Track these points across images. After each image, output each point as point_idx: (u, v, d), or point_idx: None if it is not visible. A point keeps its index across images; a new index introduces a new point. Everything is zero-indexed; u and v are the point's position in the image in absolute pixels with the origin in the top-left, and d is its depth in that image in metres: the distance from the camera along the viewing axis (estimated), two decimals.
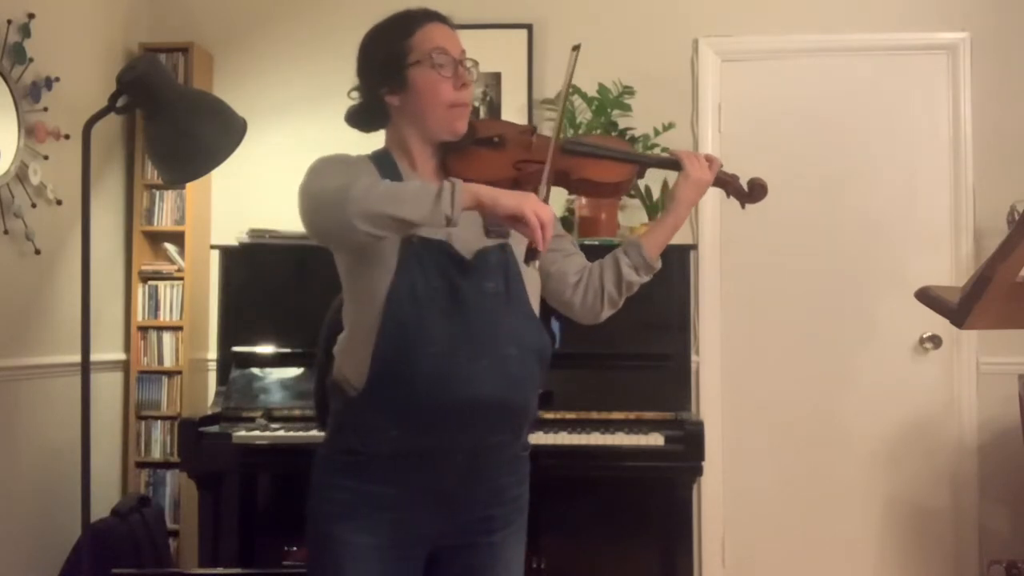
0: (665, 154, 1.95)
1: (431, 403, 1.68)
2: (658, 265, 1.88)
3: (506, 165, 1.82)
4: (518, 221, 1.56)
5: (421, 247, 1.71)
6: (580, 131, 3.66)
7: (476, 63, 1.84)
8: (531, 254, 1.59)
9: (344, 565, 1.72)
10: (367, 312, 1.72)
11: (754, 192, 1.98)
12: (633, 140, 3.68)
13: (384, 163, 1.82)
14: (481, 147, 1.84)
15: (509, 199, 1.57)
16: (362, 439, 1.74)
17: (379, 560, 1.72)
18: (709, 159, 1.89)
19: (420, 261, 1.71)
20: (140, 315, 3.81)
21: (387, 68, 1.79)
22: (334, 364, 1.82)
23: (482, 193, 1.58)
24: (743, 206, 2.00)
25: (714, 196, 3.84)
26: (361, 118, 1.88)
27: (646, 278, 1.88)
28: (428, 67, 1.77)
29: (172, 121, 1.90)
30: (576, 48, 1.85)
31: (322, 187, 1.65)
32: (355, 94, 1.86)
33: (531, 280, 1.82)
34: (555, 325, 3.44)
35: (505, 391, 1.72)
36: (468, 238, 1.73)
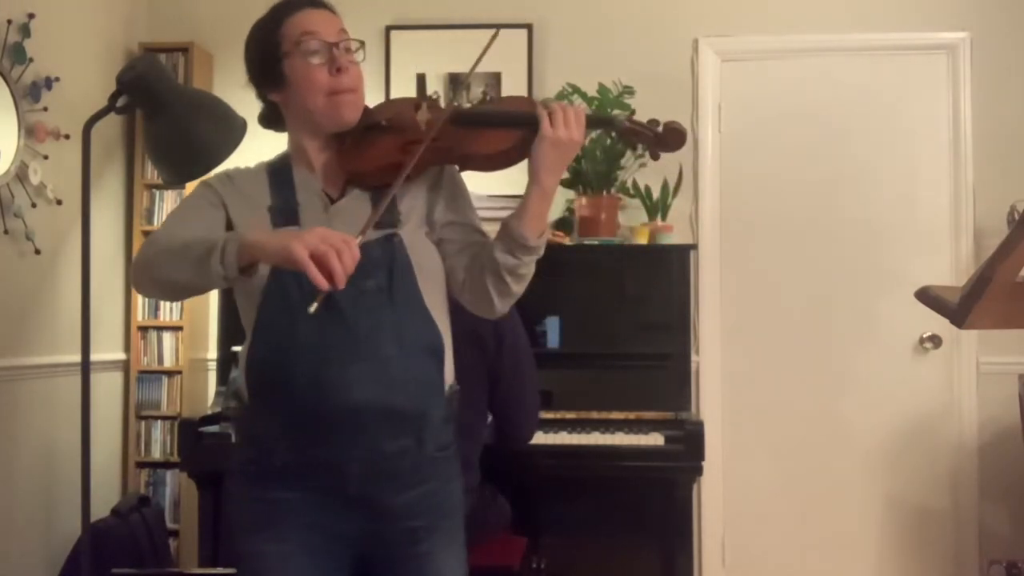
0: (524, 109, 1.70)
1: (310, 412, 1.61)
2: (536, 241, 1.64)
3: (393, 149, 1.68)
4: (291, 264, 1.40)
5: None
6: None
7: (362, 43, 1.73)
8: (312, 295, 1.40)
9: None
10: (248, 320, 1.67)
11: (669, 137, 1.70)
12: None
13: (278, 171, 1.76)
14: (372, 133, 1.71)
15: (274, 244, 1.42)
16: (258, 449, 1.68)
17: (296, 567, 1.65)
18: (575, 112, 1.64)
19: None
20: (140, 315, 3.81)
21: (262, 65, 1.71)
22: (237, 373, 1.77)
23: (251, 246, 1.46)
24: (656, 156, 1.75)
25: (714, 196, 3.86)
26: (267, 121, 1.81)
27: (528, 258, 1.66)
28: (298, 56, 1.67)
29: (172, 121, 1.90)
30: (495, 35, 1.71)
31: (142, 245, 1.65)
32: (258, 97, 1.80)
33: (428, 271, 1.70)
34: (555, 325, 3.45)
35: (387, 395, 1.61)
36: (350, 232, 1.51)
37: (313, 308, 1.40)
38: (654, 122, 1.72)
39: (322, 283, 1.37)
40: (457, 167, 1.79)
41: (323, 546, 1.67)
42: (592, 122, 1.72)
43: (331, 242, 1.39)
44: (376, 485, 1.65)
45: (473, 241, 1.75)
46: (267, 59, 1.70)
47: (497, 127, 1.71)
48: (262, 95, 1.76)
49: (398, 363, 1.62)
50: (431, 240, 1.74)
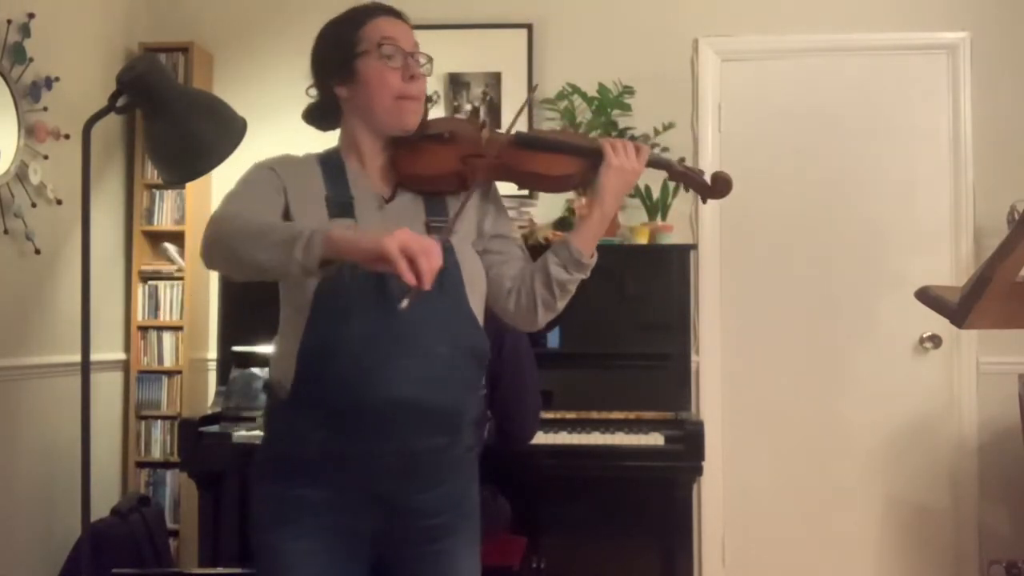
0: (586, 143, 1.87)
1: (352, 404, 1.64)
2: (589, 261, 1.76)
3: (453, 159, 1.78)
4: (382, 262, 1.42)
5: None
6: (580, 131, 3.66)
7: (430, 59, 1.81)
8: (403, 292, 1.45)
9: (282, 573, 1.69)
10: (297, 311, 1.69)
11: (717, 186, 1.88)
12: (633, 139, 3.67)
13: (330, 163, 1.80)
14: (430, 142, 1.79)
15: (367, 241, 1.44)
16: (292, 443, 1.70)
17: (317, 565, 1.68)
18: (637, 148, 1.79)
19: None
20: (140, 315, 3.81)
21: (336, 59, 1.77)
22: (269, 368, 1.79)
23: (341, 241, 1.47)
24: (704, 200, 1.93)
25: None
26: (316, 115, 1.86)
27: (578, 275, 1.76)
28: (376, 57, 1.74)
29: (172, 121, 1.90)
30: (533, 90, 1.88)
31: (213, 219, 1.64)
32: (313, 92, 1.85)
33: (473, 279, 1.75)
34: (555, 325, 3.45)
35: (428, 392, 1.65)
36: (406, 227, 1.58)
37: (405, 304, 1.45)
38: (701, 171, 1.90)
39: (413, 280, 1.42)
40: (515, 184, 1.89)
41: (343, 545, 1.70)
42: (651, 161, 1.84)
43: (422, 244, 1.43)
44: (402, 482, 1.69)
45: (518, 255, 1.84)
46: (341, 55, 1.76)
47: (556, 152, 1.83)
48: (326, 87, 1.81)
49: (444, 362, 1.68)
50: (476, 250, 1.80)
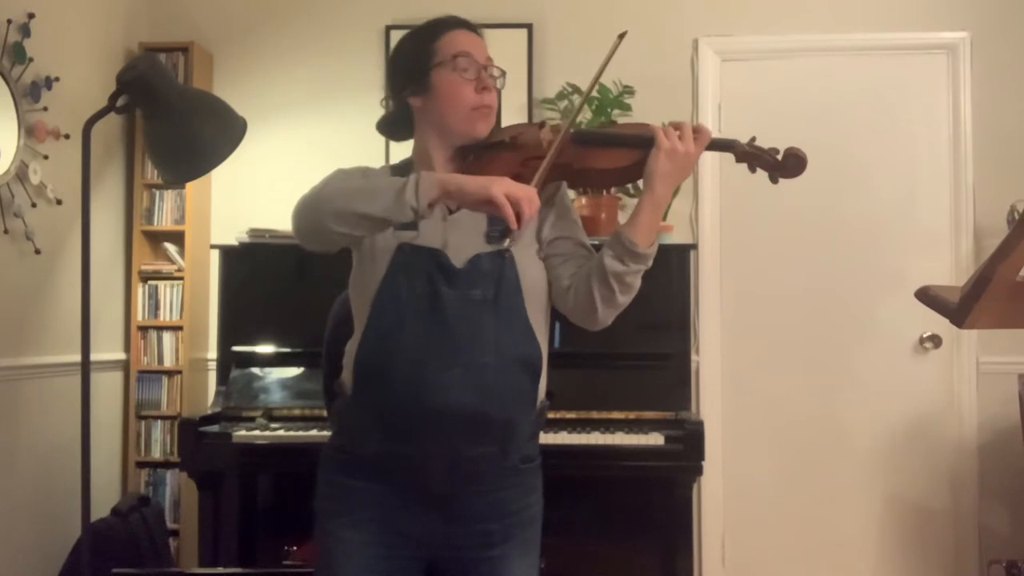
0: (643, 132, 1.78)
1: (405, 410, 1.68)
2: (645, 250, 1.71)
3: (515, 164, 1.78)
4: (487, 204, 1.54)
5: (412, 254, 1.71)
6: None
7: (503, 72, 1.87)
8: (503, 234, 1.59)
9: (335, 559, 1.74)
10: (360, 317, 1.76)
11: (788, 163, 1.78)
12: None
13: (401, 174, 1.81)
14: (495, 150, 1.82)
15: (474, 184, 1.57)
16: (351, 439, 1.77)
17: (366, 556, 1.72)
18: (697, 129, 1.73)
19: (408, 267, 1.70)
20: (140, 315, 3.82)
21: (412, 70, 1.82)
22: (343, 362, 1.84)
23: (448, 182, 1.58)
24: (776, 180, 1.81)
25: (713, 196, 3.86)
26: (390, 125, 1.92)
27: (636, 266, 1.72)
28: (450, 70, 1.79)
29: (172, 121, 1.90)
30: (622, 36, 1.87)
31: (313, 189, 1.70)
32: (389, 104, 1.90)
33: (534, 288, 1.78)
34: (555, 325, 3.45)
35: (480, 402, 1.67)
36: (465, 245, 1.72)
37: (507, 243, 1.64)
38: (774, 150, 1.79)
39: (514, 222, 1.53)
40: (566, 183, 1.89)
41: (395, 541, 1.73)
42: (713, 144, 1.78)
43: (525, 191, 1.56)
44: (456, 487, 1.72)
45: (579, 254, 1.83)
46: (419, 65, 1.81)
47: (616, 147, 1.80)
48: (401, 97, 1.85)
49: (494, 371, 1.68)
50: (539, 257, 1.82)
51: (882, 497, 3.80)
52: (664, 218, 3.63)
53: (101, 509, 3.37)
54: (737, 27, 3.89)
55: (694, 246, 3.77)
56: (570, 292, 1.79)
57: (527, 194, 1.55)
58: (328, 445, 1.84)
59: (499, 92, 1.88)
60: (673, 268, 3.50)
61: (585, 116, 3.73)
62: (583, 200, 3.57)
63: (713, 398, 3.84)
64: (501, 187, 1.54)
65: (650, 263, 1.74)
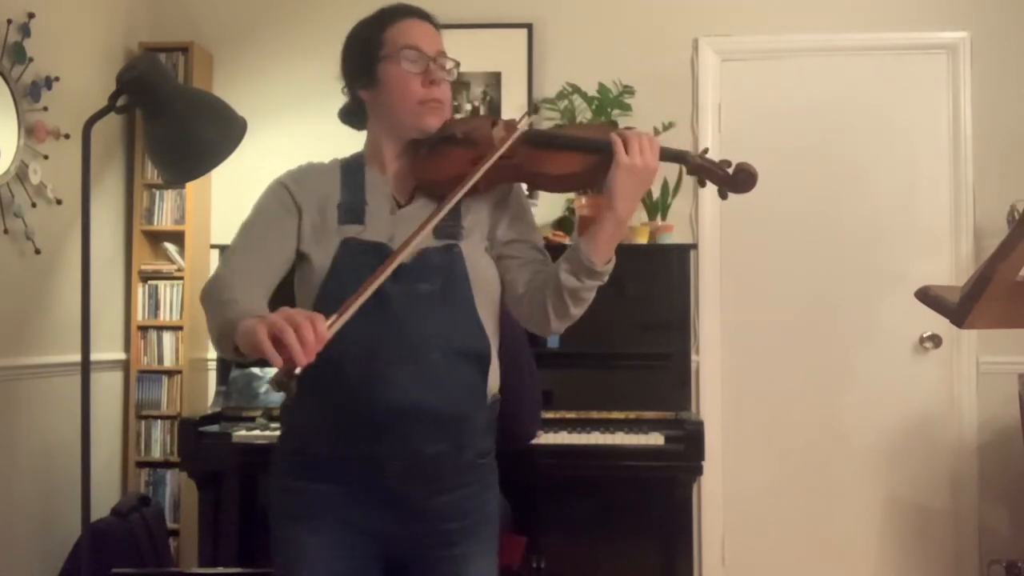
0: (599, 136, 1.70)
1: (354, 408, 1.64)
2: (602, 267, 1.65)
3: (466, 161, 1.72)
4: (256, 349, 1.39)
5: (358, 250, 1.69)
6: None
7: (457, 63, 1.79)
8: (279, 378, 1.36)
9: (295, 565, 1.70)
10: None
11: (739, 179, 1.69)
12: None
13: (350, 169, 1.81)
14: (446, 144, 1.76)
15: (244, 333, 1.44)
16: (303, 440, 1.73)
17: (327, 560, 1.69)
18: (649, 140, 1.66)
19: (352, 263, 1.66)
20: (140, 315, 3.81)
21: (360, 63, 1.78)
22: None
23: (240, 335, 1.47)
24: (724, 196, 1.73)
25: (713, 196, 3.85)
26: (347, 116, 1.88)
27: (591, 283, 1.67)
28: (396, 62, 1.74)
29: (172, 121, 1.90)
30: (528, 114, 1.78)
31: (216, 271, 1.76)
32: (346, 91, 1.87)
33: (483, 282, 1.73)
34: None
35: (429, 397, 1.63)
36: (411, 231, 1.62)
37: (269, 380, 1.42)
38: (725, 162, 1.71)
39: (277, 361, 1.35)
40: (525, 185, 1.83)
41: (357, 542, 1.70)
42: (664, 155, 1.71)
43: (292, 320, 1.37)
44: (414, 485, 1.68)
45: (535, 258, 1.79)
46: (365, 58, 1.77)
47: (570, 150, 1.73)
48: (352, 90, 1.82)
49: (443, 366, 1.65)
50: (490, 255, 1.78)
51: (882, 497, 3.80)
52: (664, 218, 3.66)
53: (101, 509, 3.37)
54: (737, 27, 3.89)
55: (694, 246, 3.77)
56: (524, 300, 1.76)
57: (297, 322, 1.36)
58: (279, 450, 1.78)
59: (465, 84, 1.83)
60: (673, 268, 3.50)
61: (585, 116, 3.73)
62: (583, 200, 3.56)
63: (713, 398, 3.84)
64: (265, 325, 1.37)
65: (606, 279, 1.69)
